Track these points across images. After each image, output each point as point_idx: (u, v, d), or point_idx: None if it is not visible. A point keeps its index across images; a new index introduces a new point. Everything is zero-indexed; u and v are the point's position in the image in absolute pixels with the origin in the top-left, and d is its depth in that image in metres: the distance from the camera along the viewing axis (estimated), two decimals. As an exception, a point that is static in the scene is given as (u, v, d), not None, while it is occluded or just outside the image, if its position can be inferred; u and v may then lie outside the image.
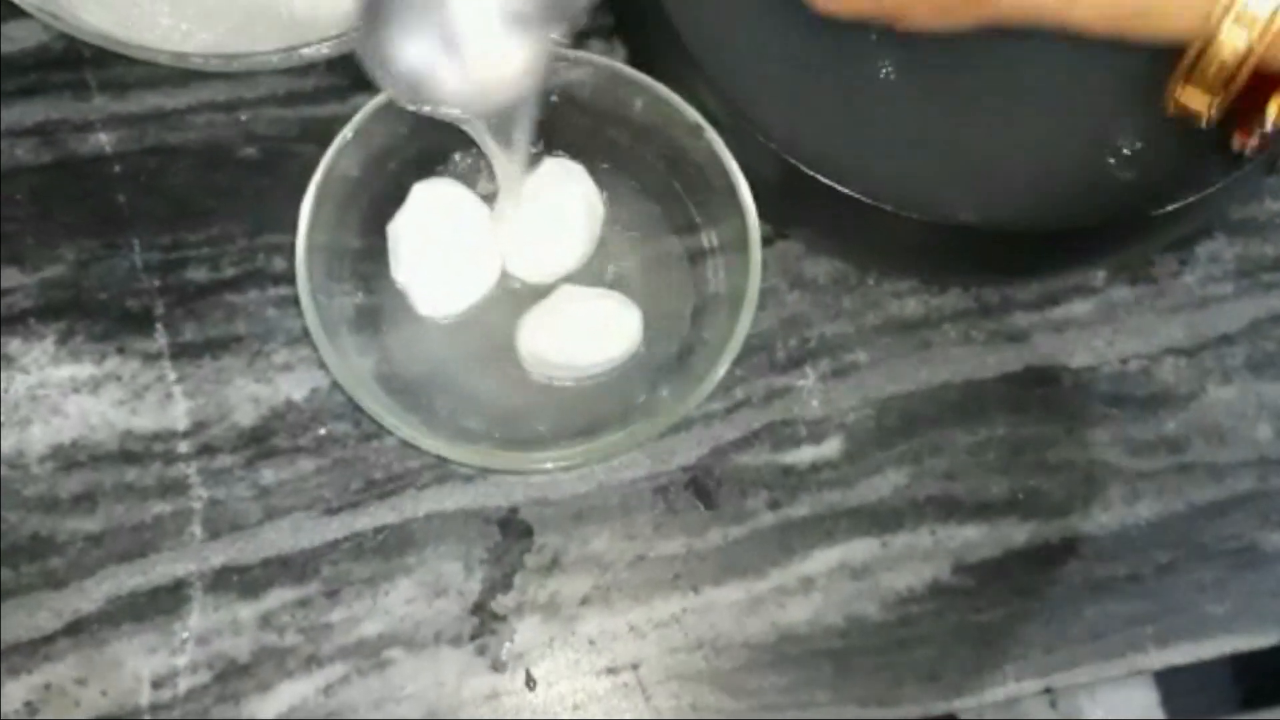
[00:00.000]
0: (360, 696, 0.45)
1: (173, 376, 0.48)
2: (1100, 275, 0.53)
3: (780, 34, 0.51)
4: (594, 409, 0.46)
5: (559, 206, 0.47)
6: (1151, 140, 0.52)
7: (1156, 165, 0.51)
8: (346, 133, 0.44)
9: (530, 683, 0.46)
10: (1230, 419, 0.51)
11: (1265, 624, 0.49)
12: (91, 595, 0.45)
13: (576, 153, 0.48)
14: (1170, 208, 0.49)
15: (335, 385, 0.47)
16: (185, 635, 0.45)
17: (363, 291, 0.47)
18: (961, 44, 0.51)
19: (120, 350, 0.48)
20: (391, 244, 0.46)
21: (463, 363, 0.47)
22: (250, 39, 0.48)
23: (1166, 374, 0.52)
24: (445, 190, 0.47)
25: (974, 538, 0.49)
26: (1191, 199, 0.49)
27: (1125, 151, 0.52)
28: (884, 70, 0.51)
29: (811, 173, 0.45)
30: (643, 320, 0.46)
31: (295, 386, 0.48)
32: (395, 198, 0.47)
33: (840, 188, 0.45)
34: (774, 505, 0.48)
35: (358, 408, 0.44)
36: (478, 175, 0.49)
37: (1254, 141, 0.45)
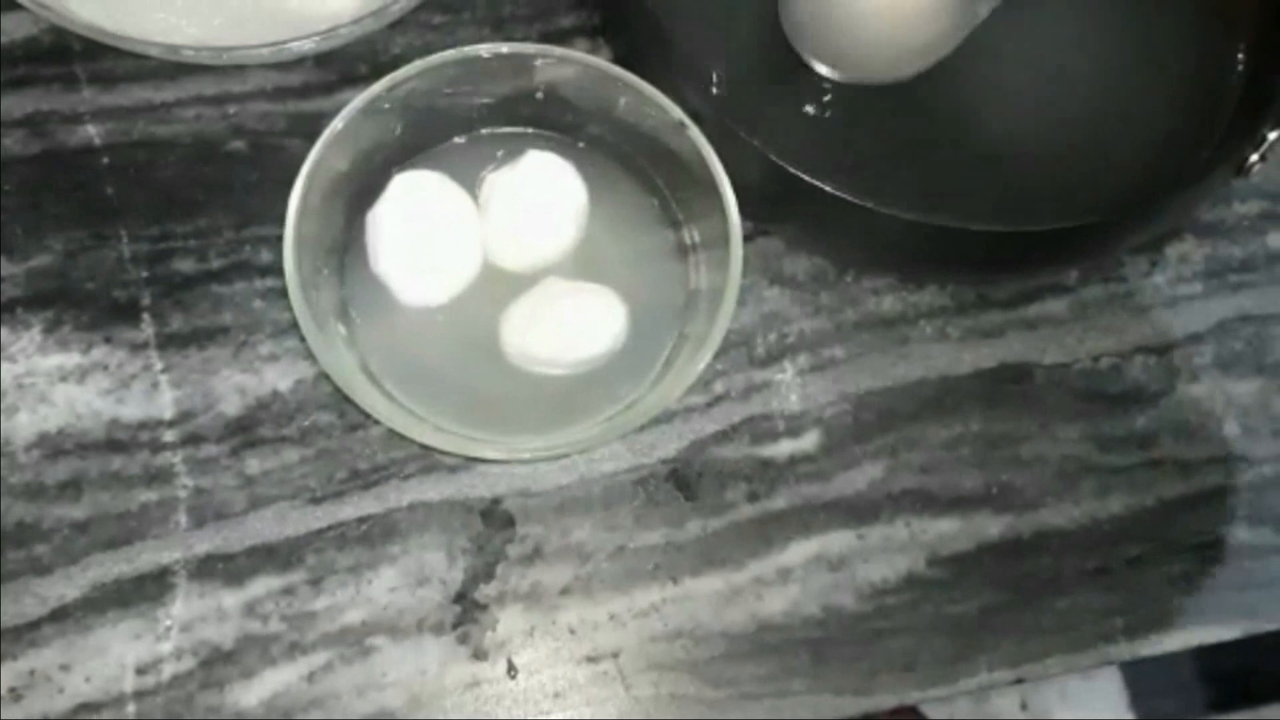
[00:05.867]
0: (343, 684, 0.45)
1: (159, 366, 0.48)
2: (1073, 275, 0.54)
3: (764, 33, 0.52)
4: (577, 400, 0.46)
5: (543, 201, 0.47)
6: (1124, 143, 0.53)
7: (1129, 168, 0.52)
8: (336, 124, 0.44)
9: (512, 671, 0.46)
10: (1199, 416, 0.52)
11: (1230, 617, 0.50)
12: (77, 582, 0.45)
13: (561, 148, 0.48)
14: (1142, 210, 0.50)
15: (320, 376, 0.48)
16: (169, 622, 0.45)
17: (349, 283, 0.47)
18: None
19: (107, 340, 0.48)
20: (370, 233, 0.46)
21: (447, 353, 0.47)
22: (240, 33, 0.48)
23: (1137, 372, 0.53)
24: (427, 179, 0.47)
25: (948, 530, 0.50)
26: (1162, 202, 0.50)
27: (1099, 154, 0.53)
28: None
29: (793, 170, 0.45)
30: (626, 314, 0.47)
31: (281, 377, 0.48)
32: (381, 191, 0.47)
33: (821, 185, 0.45)
34: (752, 497, 0.49)
35: (343, 398, 0.44)
36: (463, 167, 0.49)
37: None
